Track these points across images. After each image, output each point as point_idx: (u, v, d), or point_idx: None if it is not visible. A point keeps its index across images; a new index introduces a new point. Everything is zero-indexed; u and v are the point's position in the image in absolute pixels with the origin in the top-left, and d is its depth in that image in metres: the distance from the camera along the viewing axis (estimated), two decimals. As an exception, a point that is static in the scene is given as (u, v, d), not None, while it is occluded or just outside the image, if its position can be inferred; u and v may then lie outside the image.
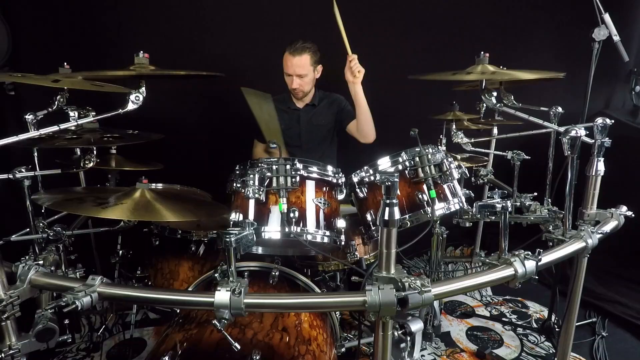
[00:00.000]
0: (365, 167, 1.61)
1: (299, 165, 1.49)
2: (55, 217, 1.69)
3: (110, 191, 1.61)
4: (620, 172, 2.34)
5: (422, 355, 2.12)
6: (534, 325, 2.42)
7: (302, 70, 2.26)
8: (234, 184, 1.53)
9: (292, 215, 1.42)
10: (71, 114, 1.42)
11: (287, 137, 2.42)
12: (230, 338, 1.07)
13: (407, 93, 3.09)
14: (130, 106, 1.27)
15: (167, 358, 1.14)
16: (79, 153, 1.71)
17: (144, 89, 1.30)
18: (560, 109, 1.88)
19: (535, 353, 2.16)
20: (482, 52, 1.79)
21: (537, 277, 1.20)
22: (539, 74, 1.71)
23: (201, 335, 1.26)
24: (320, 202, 1.51)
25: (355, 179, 1.62)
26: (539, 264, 1.18)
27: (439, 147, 1.79)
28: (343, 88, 2.68)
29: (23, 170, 1.38)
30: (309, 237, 1.46)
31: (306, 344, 1.34)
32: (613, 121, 1.37)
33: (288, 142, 2.42)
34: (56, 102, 1.53)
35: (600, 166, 1.40)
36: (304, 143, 2.45)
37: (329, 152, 2.54)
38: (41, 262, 1.24)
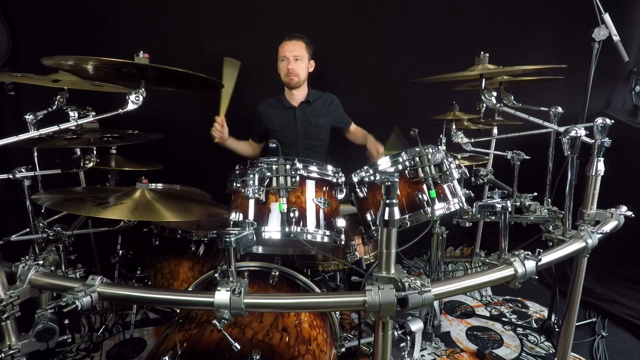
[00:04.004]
0: (365, 167, 1.61)
1: (299, 165, 1.48)
2: (55, 217, 1.69)
3: (110, 191, 1.61)
4: (620, 172, 2.35)
5: (422, 355, 2.12)
6: (534, 325, 2.42)
7: (298, 52, 2.31)
8: (234, 184, 1.53)
9: (292, 215, 1.42)
10: (71, 114, 1.43)
11: (284, 136, 2.42)
12: (230, 338, 1.07)
13: (407, 93, 3.09)
14: (130, 106, 1.27)
15: (167, 358, 1.14)
16: (79, 153, 1.71)
17: (143, 89, 1.30)
18: (560, 109, 1.88)
19: (535, 353, 2.16)
20: (482, 52, 1.79)
21: (537, 277, 1.20)
22: (540, 67, 1.71)
23: (201, 335, 1.26)
24: (320, 202, 1.51)
25: (355, 179, 1.62)
26: (539, 264, 1.18)
27: (439, 147, 1.79)
28: (336, 88, 2.70)
29: (23, 170, 1.37)
30: (309, 237, 1.46)
31: (306, 344, 1.34)
32: (613, 121, 1.38)
33: (284, 141, 2.42)
34: (56, 102, 1.53)
35: (600, 166, 1.40)
36: (301, 142, 2.45)
37: (323, 153, 2.54)
38: (41, 262, 1.24)
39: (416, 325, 1.18)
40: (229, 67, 2.17)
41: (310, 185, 1.52)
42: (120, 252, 2.06)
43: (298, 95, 2.44)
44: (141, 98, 1.28)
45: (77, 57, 1.32)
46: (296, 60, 2.31)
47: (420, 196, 1.52)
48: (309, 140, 2.46)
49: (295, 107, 2.44)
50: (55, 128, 1.21)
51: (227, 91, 2.16)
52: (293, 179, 1.46)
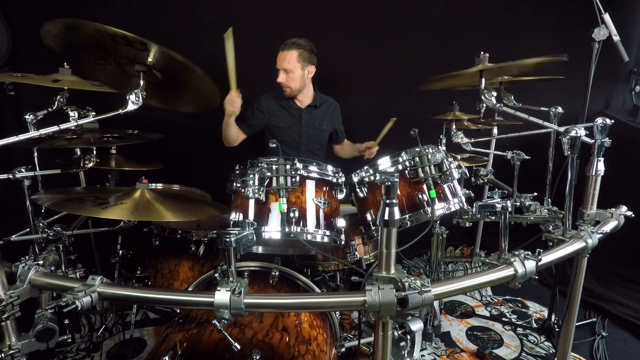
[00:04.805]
0: (365, 167, 1.62)
1: (299, 165, 1.49)
2: (55, 217, 1.69)
3: (110, 191, 1.61)
4: (620, 172, 2.35)
5: (422, 355, 2.12)
6: (534, 325, 2.42)
7: (287, 65, 2.25)
8: (234, 184, 1.53)
9: (292, 214, 1.42)
10: (71, 114, 1.43)
11: (286, 136, 2.42)
12: (230, 338, 1.07)
13: (407, 93, 3.09)
14: (130, 106, 1.27)
15: (167, 358, 1.14)
16: (79, 153, 1.72)
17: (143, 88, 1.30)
18: (560, 109, 1.88)
19: (535, 353, 2.16)
20: (482, 52, 1.79)
21: (537, 277, 1.20)
22: (541, 59, 1.71)
23: (201, 335, 1.26)
24: (320, 202, 1.51)
25: (356, 179, 1.62)
26: (539, 264, 1.18)
27: (439, 147, 1.78)
28: (335, 88, 2.70)
29: (23, 170, 1.38)
30: (309, 237, 1.46)
31: (306, 344, 1.34)
32: (613, 121, 1.38)
33: (286, 141, 2.41)
34: (56, 102, 1.53)
35: (600, 166, 1.40)
36: (302, 144, 2.45)
37: (322, 156, 2.55)
38: (41, 262, 1.24)
39: (416, 325, 1.18)
40: (227, 42, 2.10)
41: (310, 185, 1.52)
42: (120, 252, 2.06)
43: (304, 99, 2.43)
44: (141, 98, 1.28)
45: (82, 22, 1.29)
46: (287, 72, 2.26)
47: (420, 196, 1.52)
48: (311, 143, 2.46)
49: (302, 109, 2.43)
50: (55, 128, 1.21)
51: (231, 64, 2.11)
52: (293, 179, 1.46)
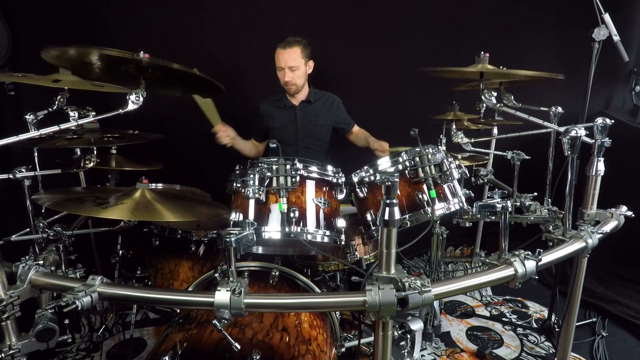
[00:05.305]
0: (365, 167, 1.61)
1: (299, 165, 1.49)
2: (55, 217, 1.69)
3: (110, 191, 1.61)
4: (620, 172, 2.35)
5: (422, 355, 2.12)
6: (534, 325, 2.42)
7: (293, 62, 2.27)
8: (234, 184, 1.53)
9: (292, 215, 1.42)
10: (71, 114, 1.42)
11: (283, 135, 2.43)
12: (230, 338, 1.07)
13: (407, 93, 3.09)
14: (130, 106, 1.27)
15: (167, 358, 1.14)
16: (79, 153, 1.72)
17: (143, 89, 1.30)
18: (560, 109, 1.88)
19: (535, 353, 2.16)
20: (482, 52, 1.79)
21: (537, 277, 1.21)
22: (538, 74, 1.71)
23: (201, 335, 1.26)
24: (320, 202, 1.51)
25: (355, 179, 1.62)
26: (539, 264, 1.18)
27: (439, 147, 1.79)
28: (335, 88, 2.70)
29: (23, 170, 1.38)
30: (309, 237, 1.46)
31: (306, 343, 1.34)
32: (613, 121, 1.38)
33: (284, 140, 2.42)
34: (56, 102, 1.53)
35: (600, 166, 1.40)
36: (300, 141, 2.45)
37: (322, 152, 2.54)
38: (41, 262, 1.24)
39: (416, 325, 1.18)
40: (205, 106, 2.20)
41: (310, 186, 1.52)
42: (120, 252, 2.06)
43: (299, 95, 2.44)
44: (141, 98, 1.28)
45: (79, 49, 1.32)
46: (292, 70, 2.28)
47: (420, 196, 1.52)
48: (309, 139, 2.46)
49: (295, 106, 2.44)
50: (55, 128, 1.21)
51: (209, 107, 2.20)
52: (293, 179, 1.46)
